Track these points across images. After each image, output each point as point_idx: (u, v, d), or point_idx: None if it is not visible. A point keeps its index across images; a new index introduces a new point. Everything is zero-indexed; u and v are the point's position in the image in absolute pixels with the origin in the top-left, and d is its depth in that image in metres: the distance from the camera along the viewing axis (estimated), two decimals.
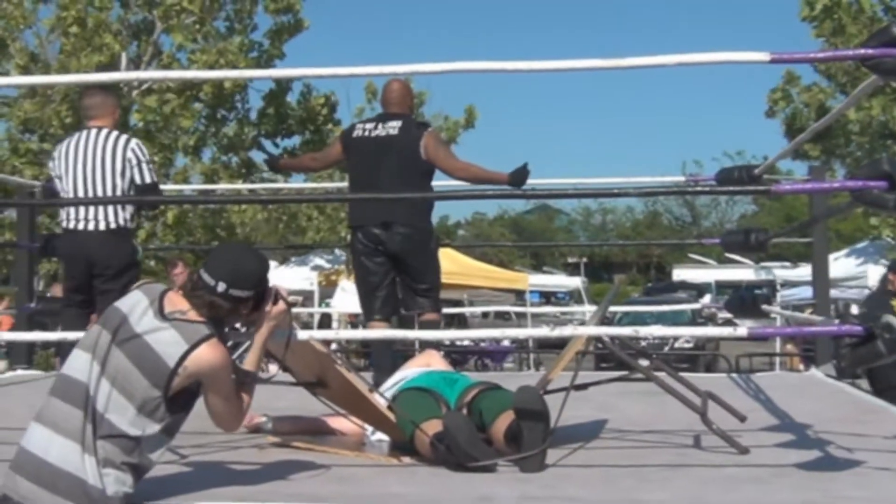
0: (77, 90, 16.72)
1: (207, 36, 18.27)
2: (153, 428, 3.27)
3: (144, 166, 6.54)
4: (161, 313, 3.36)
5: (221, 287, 3.39)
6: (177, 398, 3.31)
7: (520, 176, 6.13)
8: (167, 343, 3.29)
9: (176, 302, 3.42)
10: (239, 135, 19.29)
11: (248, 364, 3.63)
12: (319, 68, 4.44)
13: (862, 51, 3.76)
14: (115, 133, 6.57)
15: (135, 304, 3.41)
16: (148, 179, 6.54)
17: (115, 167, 6.44)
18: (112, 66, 16.92)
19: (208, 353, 3.32)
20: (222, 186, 16.01)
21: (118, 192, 6.42)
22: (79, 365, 3.31)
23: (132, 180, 6.49)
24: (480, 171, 6.23)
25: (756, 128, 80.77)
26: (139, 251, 6.68)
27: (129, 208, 6.51)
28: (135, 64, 18.17)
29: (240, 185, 15.86)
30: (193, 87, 18.02)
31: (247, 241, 19.79)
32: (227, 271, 3.42)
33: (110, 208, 6.39)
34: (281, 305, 3.63)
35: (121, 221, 6.44)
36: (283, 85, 19.33)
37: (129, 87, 17.78)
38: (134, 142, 6.63)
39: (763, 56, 3.74)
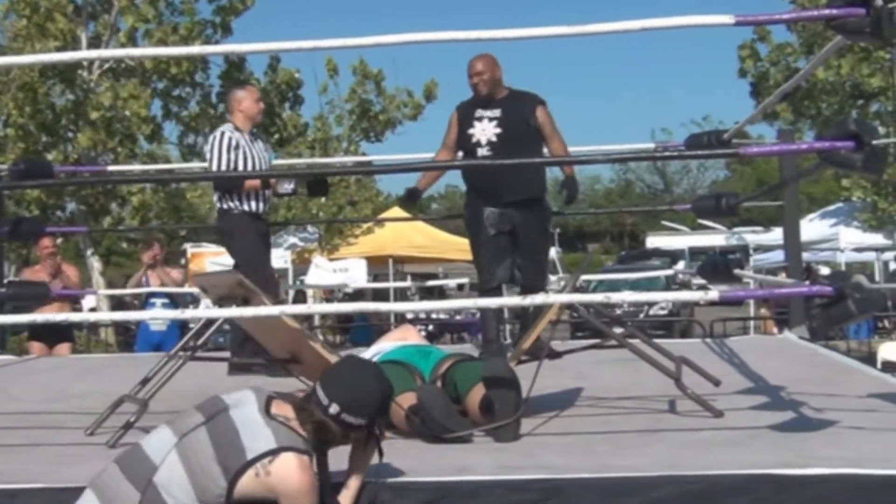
0: (33, 75, 16.58)
1: (159, 17, 18.06)
2: None
3: (209, 154, 6.78)
4: (267, 412, 3.13)
5: (334, 409, 3.10)
6: None
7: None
8: (257, 438, 3.06)
9: (284, 408, 3.16)
10: (203, 113, 19.13)
11: (343, 499, 3.25)
12: (284, 42, 4.39)
13: (826, 11, 3.75)
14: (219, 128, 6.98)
15: (240, 398, 3.20)
16: (211, 167, 6.81)
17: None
18: (71, 48, 16.72)
19: (294, 469, 3.03)
20: (179, 166, 15.85)
21: None
22: (157, 441, 3.14)
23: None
24: None
25: (726, 95, 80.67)
26: None
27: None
28: (95, 45, 17.96)
29: (195, 164, 15.71)
30: (154, 69, 17.88)
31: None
32: (344, 393, 3.13)
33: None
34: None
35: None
36: (234, 62, 19.14)
37: (90, 68, 17.60)
38: (213, 134, 6.87)
39: (727, 19, 3.72)
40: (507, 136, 6.22)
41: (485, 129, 6.26)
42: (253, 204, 6.69)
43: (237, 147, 6.65)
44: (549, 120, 6.35)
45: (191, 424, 3.12)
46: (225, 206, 6.72)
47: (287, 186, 6.73)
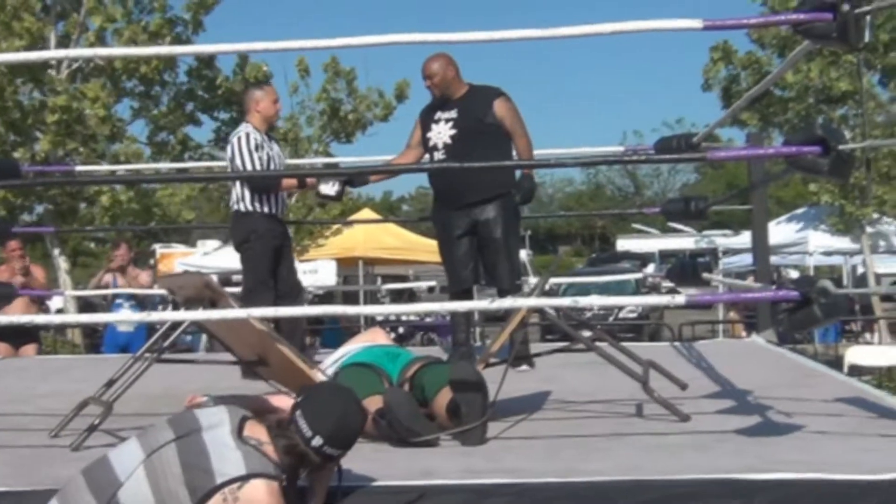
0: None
1: (128, 15, 17.93)
2: None
3: (237, 159, 6.57)
4: (239, 435, 3.07)
5: (317, 442, 3.05)
6: None
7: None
8: (227, 461, 2.99)
9: (257, 432, 3.10)
10: (173, 111, 19.01)
11: None
12: (253, 43, 4.36)
13: (794, 16, 3.76)
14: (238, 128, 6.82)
15: (213, 416, 3.14)
16: (240, 167, 6.63)
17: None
18: (39, 48, 16.58)
19: (263, 496, 2.96)
20: (148, 166, 15.74)
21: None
22: (125, 455, 3.09)
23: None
24: None
25: (696, 100, 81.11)
26: None
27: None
28: (64, 44, 17.81)
29: (167, 165, 15.59)
30: (124, 70, 17.76)
31: (185, 221, 19.58)
32: (329, 426, 3.07)
33: None
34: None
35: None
36: (204, 60, 19.04)
37: (58, 68, 17.45)
38: (235, 135, 6.70)
39: (696, 23, 3.73)
40: (461, 137, 6.19)
41: (440, 132, 6.25)
42: (269, 207, 6.60)
43: (259, 147, 6.55)
44: (510, 113, 6.28)
45: (160, 440, 3.07)
46: (243, 209, 6.59)
47: (331, 188, 6.51)
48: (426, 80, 6.33)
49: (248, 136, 6.58)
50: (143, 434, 3.17)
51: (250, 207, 6.56)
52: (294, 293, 6.68)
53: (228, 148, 6.74)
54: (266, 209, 6.58)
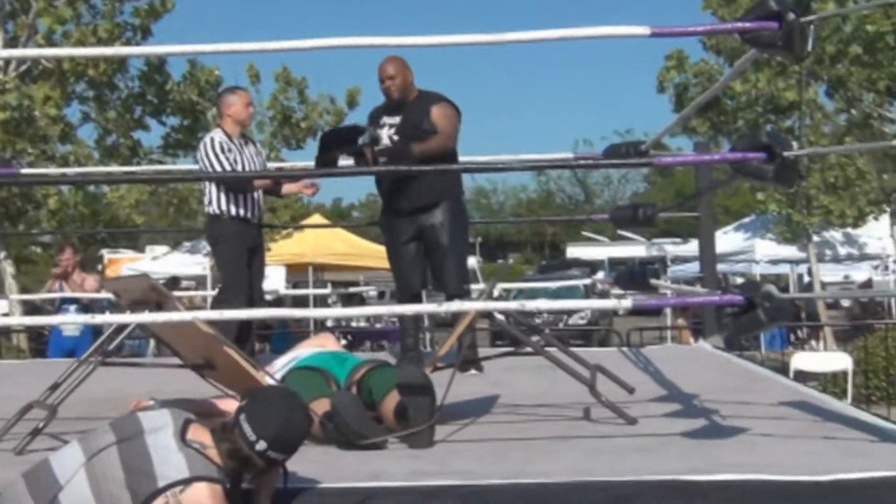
0: None
1: (78, 18, 17.77)
2: None
3: (203, 161, 6.64)
4: (182, 438, 3.04)
5: (261, 446, 3.02)
6: None
7: None
8: (170, 465, 2.97)
9: (200, 435, 3.08)
10: (122, 115, 18.85)
11: None
12: (202, 45, 4.36)
13: (740, 24, 3.81)
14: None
15: (156, 420, 3.12)
16: (212, 167, 6.65)
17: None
18: None
19: (206, 500, 2.94)
20: (97, 169, 15.60)
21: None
22: (66, 458, 3.06)
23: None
24: None
25: (651, 109, 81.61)
26: None
27: None
28: (12, 46, 17.61)
29: (118, 168, 15.46)
30: (72, 71, 17.59)
31: (133, 225, 19.43)
32: (273, 431, 3.04)
33: None
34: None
35: None
36: (154, 64, 18.92)
37: (6, 69, 17.26)
38: (203, 140, 6.81)
39: (643, 30, 3.75)
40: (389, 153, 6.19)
41: (384, 138, 6.24)
42: (242, 210, 6.61)
43: (229, 150, 6.57)
44: (443, 118, 6.25)
45: (101, 444, 3.04)
46: (212, 212, 6.64)
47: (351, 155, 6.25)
48: (385, 82, 6.29)
49: (212, 140, 6.65)
50: (84, 438, 3.14)
51: (218, 210, 6.61)
52: (258, 296, 6.75)
53: (197, 153, 6.85)
54: (236, 212, 6.60)
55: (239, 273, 6.58)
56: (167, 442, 3.03)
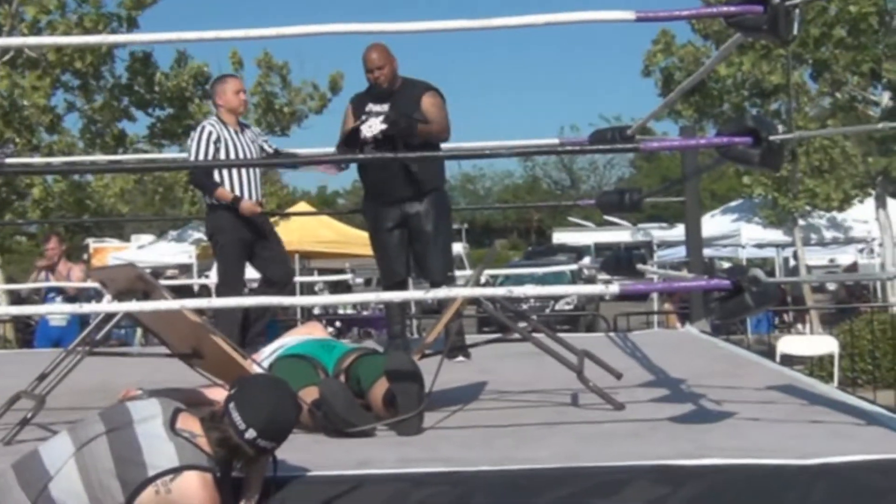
0: None
1: (63, 7, 17.70)
2: None
3: (190, 150, 6.69)
4: (171, 427, 3.04)
5: (251, 434, 3.02)
6: None
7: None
8: (160, 455, 2.97)
9: (190, 423, 3.08)
10: (108, 105, 18.78)
11: None
12: (186, 32, 4.33)
13: (725, 8, 3.80)
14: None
15: (145, 409, 3.12)
16: (190, 157, 6.79)
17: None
18: None
19: (197, 488, 2.95)
20: (83, 158, 15.55)
21: None
22: (56, 448, 3.07)
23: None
24: None
25: (639, 94, 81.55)
26: None
27: None
28: None
29: (103, 157, 15.40)
30: (57, 62, 17.53)
31: (118, 214, 19.36)
32: (263, 419, 3.04)
33: None
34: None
35: None
36: (140, 58, 18.85)
37: None
38: (195, 129, 6.87)
39: (629, 15, 3.75)
40: (392, 133, 6.16)
41: (371, 126, 6.19)
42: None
43: (217, 140, 6.55)
44: (434, 107, 6.25)
45: (91, 434, 3.04)
46: (208, 202, 6.68)
47: (370, 129, 6.12)
48: (374, 72, 6.24)
49: (202, 129, 6.67)
50: (73, 428, 3.14)
51: (214, 200, 6.61)
52: (284, 280, 6.76)
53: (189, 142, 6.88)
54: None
55: (233, 264, 6.59)
56: (157, 431, 3.03)
